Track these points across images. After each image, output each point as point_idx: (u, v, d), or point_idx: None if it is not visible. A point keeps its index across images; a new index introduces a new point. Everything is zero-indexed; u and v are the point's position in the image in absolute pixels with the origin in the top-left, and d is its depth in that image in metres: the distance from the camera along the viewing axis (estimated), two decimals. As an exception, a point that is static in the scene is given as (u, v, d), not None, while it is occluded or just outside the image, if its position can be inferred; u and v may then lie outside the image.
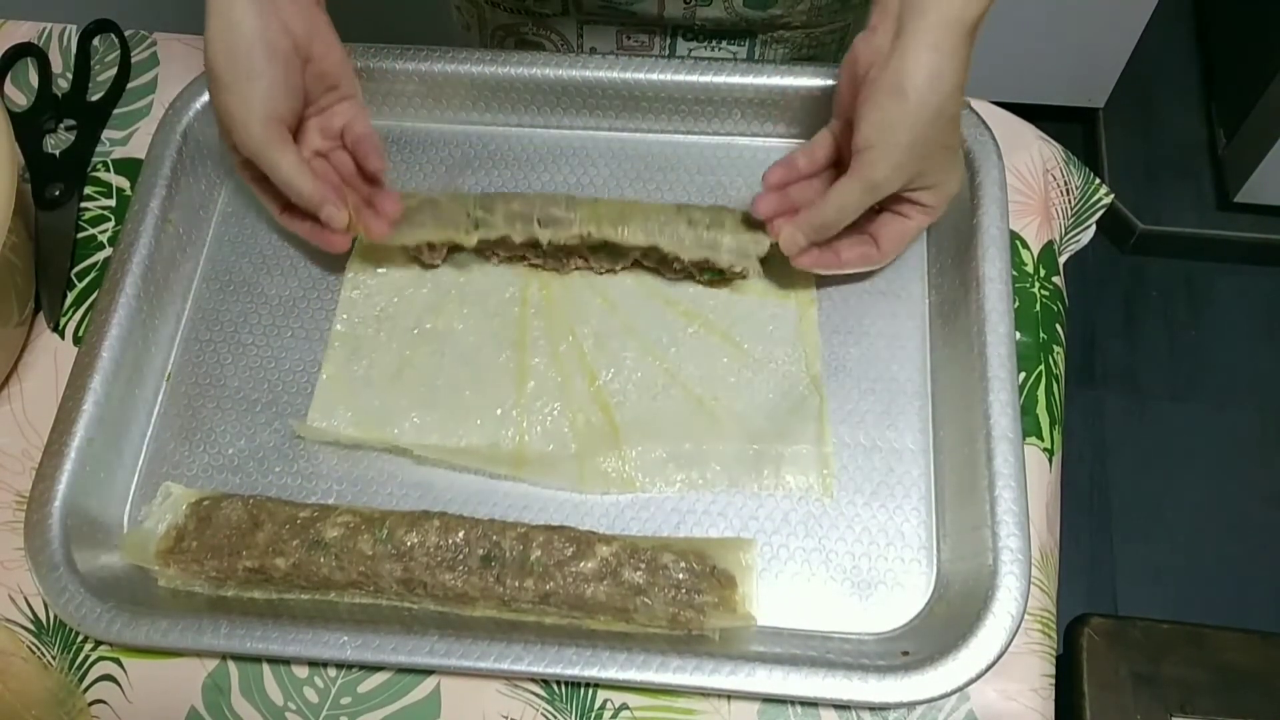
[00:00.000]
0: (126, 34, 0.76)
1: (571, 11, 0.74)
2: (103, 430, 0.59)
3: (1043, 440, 0.62)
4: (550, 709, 0.56)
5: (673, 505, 0.59)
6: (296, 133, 0.62)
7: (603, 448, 0.61)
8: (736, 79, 0.67)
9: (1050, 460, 0.62)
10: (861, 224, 0.60)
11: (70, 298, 0.67)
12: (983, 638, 0.52)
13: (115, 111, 0.73)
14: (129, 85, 0.74)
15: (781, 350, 0.63)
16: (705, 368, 0.63)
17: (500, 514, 0.59)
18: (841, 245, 0.61)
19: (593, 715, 0.56)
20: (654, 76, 0.67)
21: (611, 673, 0.52)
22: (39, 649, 0.58)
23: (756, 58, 0.76)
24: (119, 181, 0.71)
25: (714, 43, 0.75)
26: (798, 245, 0.59)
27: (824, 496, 0.59)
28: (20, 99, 0.74)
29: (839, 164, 0.61)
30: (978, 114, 0.65)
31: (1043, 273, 0.67)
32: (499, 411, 0.62)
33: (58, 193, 0.70)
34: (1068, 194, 0.71)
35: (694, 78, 0.67)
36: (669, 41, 0.76)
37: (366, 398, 0.63)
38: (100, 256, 0.68)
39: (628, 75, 0.67)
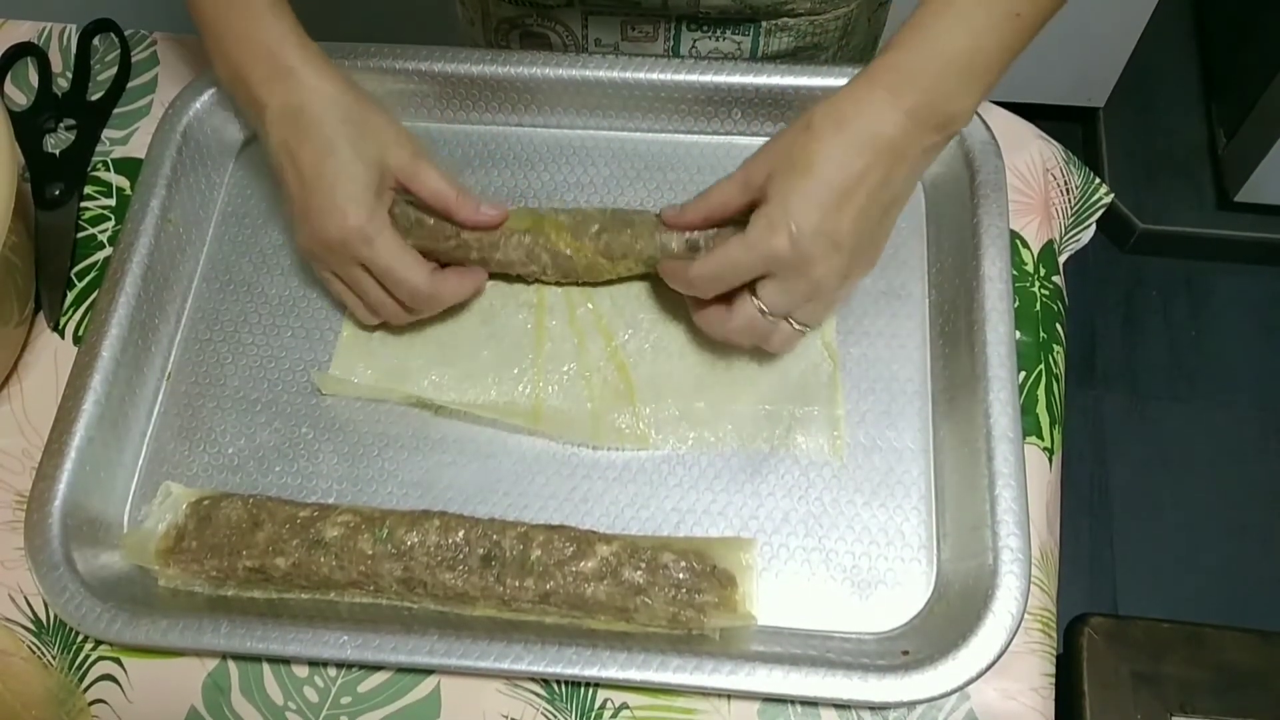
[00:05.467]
0: (126, 33, 0.76)
1: (575, 3, 0.74)
2: (103, 430, 0.59)
3: (1043, 440, 0.62)
4: (550, 708, 0.56)
5: (673, 505, 0.59)
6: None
7: (617, 404, 0.62)
8: (737, 79, 0.67)
9: (1050, 460, 0.62)
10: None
11: (70, 297, 0.67)
12: (983, 637, 0.52)
13: (115, 111, 0.73)
14: (129, 85, 0.74)
15: None
16: None
17: (500, 514, 0.59)
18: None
19: (593, 715, 0.56)
20: (655, 76, 0.67)
21: (611, 672, 0.52)
22: (39, 649, 0.58)
23: (760, 47, 0.76)
24: (119, 181, 0.71)
25: (718, 31, 0.75)
26: (676, 278, 0.59)
27: (834, 459, 0.60)
28: (20, 99, 0.74)
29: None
30: (978, 114, 0.65)
31: (1043, 272, 0.67)
32: (516, 370, 0.63)
33: (58, 192, 0.70)
34: (1068, 193, 0.71)
35: (694, 77, 0.67)
36: (673, 31, 0.76)
37: (385, 355, 0.64)
38: (100, 256, 0.68)
39: (628, 75, 0.67)
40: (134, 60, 0.75)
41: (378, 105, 0.61)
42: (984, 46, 0.53)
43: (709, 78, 0.67)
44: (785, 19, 0.74)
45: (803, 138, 0.54)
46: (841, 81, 0.66)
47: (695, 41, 0.76)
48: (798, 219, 0.53)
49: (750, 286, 0.56)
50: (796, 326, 0.57)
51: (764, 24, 0.75)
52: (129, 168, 0.71)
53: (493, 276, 0.65)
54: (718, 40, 0.76)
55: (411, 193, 0.61)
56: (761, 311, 0.56)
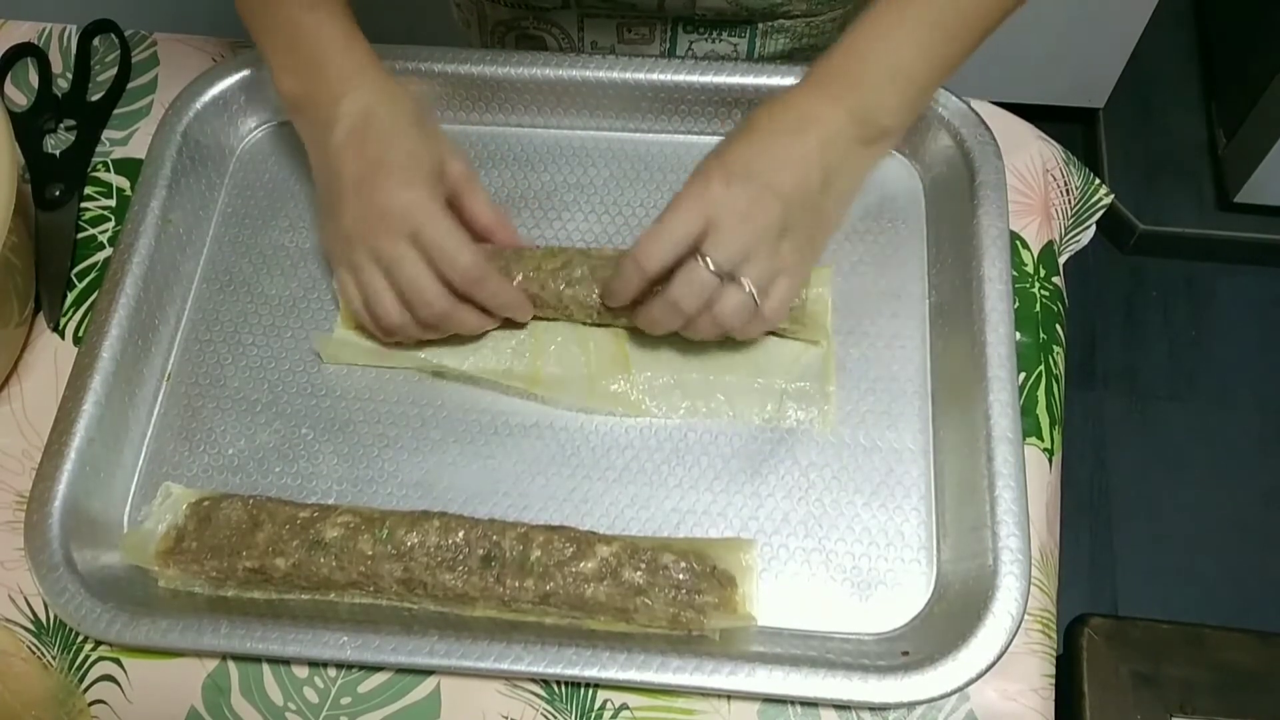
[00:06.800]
0: (126, 34, 0.76)
1: (572, 5, 0.74)
2: (103, 430, 0.59)
3: (1043, 440, 0.62)
4: (550, 709, 0.56)
5: (673, 505, 0.59)
6: None
7: (613, 371, 0.63)
8: (737, 79, 0.67)
9: (1050, 460, 0.62)
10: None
11: (70, 298, 0.67)
12: (983, 638, 0.52)
13: (115, 111, 0.73)
14: (129, 85, 0.74)
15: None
16: None
17: (500, 514, 0.59)
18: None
19: (593, 715, 0.56)
20: (654, 76, 0.67)
21: (611, 673, 0.52)
22: (39, 649, 0.58)
23: (756, 48, 0.76)
24: (119, 181, 0.71)
25: (714, 34, 0.75)
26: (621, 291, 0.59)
27: (824, 430, 0.61)
28: (20, 99, 0.74)
29: None
30: (978, 114, 0.66)
31: (1043, 273, 0.67)
32: (515, 342, 0.64)
33: (58, 193, 0.70)
34: (1068, 194, 0.71)
35: (694, 78, 0.67)
36: (669, 33, 0.76)
37: None
38: (100, 256, 0.68)
39: (628, 75, 0.67)
40: (134, 61, 0.75)
41: (436, 120, 0.63)
42: (907, 52, 0.57)
43: (709, 78, 0.67)
44: (781, 20, 0.74)
45: (740, 123, 0.59)
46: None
47: (691, 44, 0.76)
48: (730, 164, 0.56)
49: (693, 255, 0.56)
50: (748, 288, 0.56)
51: (760, 26, 0.75)
52: (129, 168, 0.71)
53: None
54: (714, 42, 0.76)
55: (460, 203, 0.62)
56: (707, 268, 0.55)
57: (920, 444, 0.60)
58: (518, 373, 0.63)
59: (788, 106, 0.58)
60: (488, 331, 0.63)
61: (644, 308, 0.59)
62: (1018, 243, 0.67)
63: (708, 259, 0.55)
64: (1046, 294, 0.66)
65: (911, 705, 0.54)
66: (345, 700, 0.56)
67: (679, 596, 0.55)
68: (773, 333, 0.63)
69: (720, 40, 0.76)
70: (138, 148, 0.71)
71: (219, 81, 0.69)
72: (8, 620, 0.59)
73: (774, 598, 0.57)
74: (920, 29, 0.57)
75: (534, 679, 0.56)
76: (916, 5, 0.57)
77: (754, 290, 0.56)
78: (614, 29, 0.76)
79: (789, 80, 0.66)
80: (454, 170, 0.61)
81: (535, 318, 0.64)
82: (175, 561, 0.57)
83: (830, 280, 0.64)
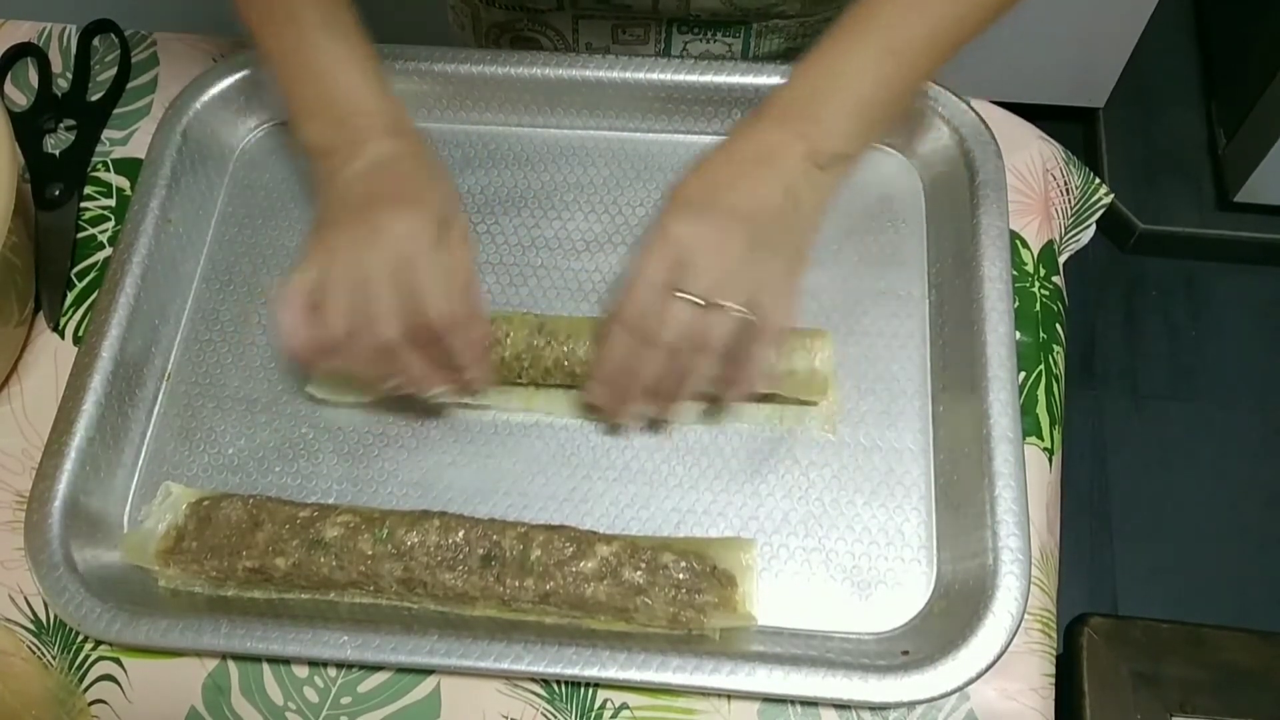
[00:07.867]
0: (126, 34, 0.76)
1: (566, 6, 0.74)
2: (102, 430, 0.59)
3: (1043, 440, 0.62)
4: (550, 709, 0.56)
5: (673, 505, 0.59)
6: None
7: None
8: (736, 79, 0.67)
9: (1050, 460, 0.62)
10: None
11: (70, 298, 0.67)
12: (983, 637, 0.52)
13: (115, 111, 0.73)
14: (129, 85, 0.74)
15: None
16: None
17: (500, 514, 0.59)
18: None
19: (593, 715, 0.56)
20: (653, 76, 0.67)
21: (611, 672, 0.52)
22: (39, 649, 0.58)
23: (751, 48, 0.76)
24: (119, 181, 0.71)
25: (709, 34, 0.75)
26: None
27: (824, 430, 0.61)
28: (20, 99, 0.74)
29: None
30: (978, 113, 0.66)
31: (1043, 272, 0.67)
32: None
33: (58, 193, 0.70)
34: (1068, 194, 0.71)
35: (693, 77, 0.67)
36: (664, 34, 0.76)
37: None
38: (100, 256, 0.68)
39: (627, 75, 0.67)
40: (134, 60, 0.75)
41: (452, 180, 0.62)
42: (865, 83, 0.56)
43: (709, 78, 0.67)
44: (776, 20, 0.74)
45: (695, 159, 0.58)
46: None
47: (686, 44, 0.76)
48: (688, 199, 0.55)
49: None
50: (734, 310, 0.53)
51: (755, 26, 0.75)
52: (129, 168, 0.71)
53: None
54: (709, 42, 0.76)
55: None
56: (688, 302, 0.53)
57: (920, 444, 0.60)
58: (516, 389, 0.62)
59: (744, 140, 0.57)
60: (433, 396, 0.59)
61: (649, 384, 0.56)
62: (1018, 242, 0.67)
63: (686, 293, 0.53)
64: (1046, 293, 0.66)
65: (911, 705, 0.54)
66: (345, 700, 0.56)
67: (679, 596, 0.55)
68: (778, 395, 0.61)
69: (715, 40, 0.76)
70: (138, 148, 0.71)
71: (219, 81, 0.69)
72: (8, 620, 0.59)
73: (774, 597, 0.57)
74: (879, 58, 0.56)
75: (534, 678, 0.56)
76: (874, 32, 0.56)
77: (744, 311, 0.54)
78: (609, 30, 0.76)
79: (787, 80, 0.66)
80: (459, 227, 0.58)
81: (514, 381, 0.62)
82: (175, 561, 0.57)
83: (832, 344, 0.61)
